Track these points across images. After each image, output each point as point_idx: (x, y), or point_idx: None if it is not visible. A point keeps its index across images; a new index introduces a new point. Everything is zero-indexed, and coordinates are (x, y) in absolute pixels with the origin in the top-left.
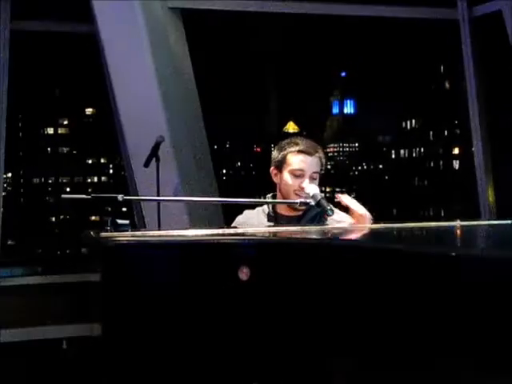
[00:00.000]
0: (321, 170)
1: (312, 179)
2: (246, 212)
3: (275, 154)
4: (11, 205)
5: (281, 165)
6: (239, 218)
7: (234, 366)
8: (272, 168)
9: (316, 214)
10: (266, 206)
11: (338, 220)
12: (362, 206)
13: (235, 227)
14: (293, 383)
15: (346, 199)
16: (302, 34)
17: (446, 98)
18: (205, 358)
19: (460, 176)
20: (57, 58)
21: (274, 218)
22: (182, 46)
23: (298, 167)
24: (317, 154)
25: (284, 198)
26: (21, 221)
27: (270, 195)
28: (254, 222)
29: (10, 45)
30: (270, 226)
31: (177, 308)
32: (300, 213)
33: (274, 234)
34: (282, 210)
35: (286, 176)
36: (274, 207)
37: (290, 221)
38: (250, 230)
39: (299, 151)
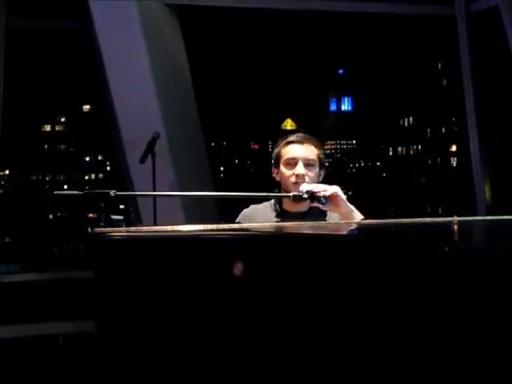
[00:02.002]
0: (319, 160)
1: (308, 166)
2: (253, 206)
3: (273, 154)
4: (9, 202)
5: (277, 161)
6: (245, 212)
7: (231, 362)
8: (272, 168)
9: (320, 209)
10: (273, 201)
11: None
12: (326, 186)
13: (239, 222)
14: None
15: (308, 187)
16: (300, 31)
17: (443, 95)
18: (200, 354)
19: (457, 173)
20: (53, 55)
21: (282, 213)
22: (178, 42)
23: (289, 156)
24: (308, 143)
25: (286, 192)
26: (18, 218)
27: (276, 191)
28: (260, 217)
29: (7, 42)
30: (277, 222)
31: (171, 304)
32: (305, 208)
33: (271, 229)
34: (287, 205)
35: (282, 169)
36: (280, 203)
37: (295, 216)
38: (245, 225)
39: (289, 142)
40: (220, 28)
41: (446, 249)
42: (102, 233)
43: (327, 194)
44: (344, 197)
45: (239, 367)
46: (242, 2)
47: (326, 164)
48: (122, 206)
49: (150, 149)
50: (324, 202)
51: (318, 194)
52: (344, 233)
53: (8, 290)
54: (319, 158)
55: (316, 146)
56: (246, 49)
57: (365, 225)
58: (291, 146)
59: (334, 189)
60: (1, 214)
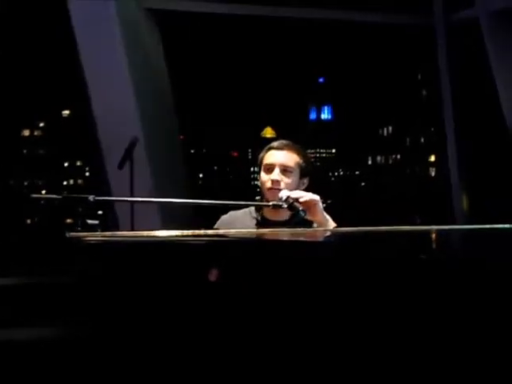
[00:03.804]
0: (299, 168)
1: (285, 172)
2: (231, 213)
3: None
4: None
5: (259, 166)
6: (224, 218)
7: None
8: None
9: (302, 219)
10: (253, 209)
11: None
12: (303, 193)
13: (217, 228)
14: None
15: (287, 193)
16: (280, 40)
17: (422, 105)
18: (178, 360)
19: (436, 183)
20: (32, 60)
21: (262, 222)
22: (157, 47)
23: (267, 162)
24: (288, 150)
25: (263, 199)
26: None
27: (257, 198)
28: (238, 224)
29: None
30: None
31: (145, 309)
32: (286, 217)
33: (248, 235)
34: (268, 214)
35: (261, 174)
36: (260, 211)
37: (276, 225)
38: (221, 231)
39: (269, 148)
40: (199, 34)
41: (423, 257)
42: (77, 237)
43: (304, 200)
44: (321, 205)
45: (213, 375)
46: (221, 8)
47: (310, 172)
48: (100, 212)
49: (128, 154)
50: (303, 215)
51: (296, 203)
52: (320, 240)
53: None
54: (299, 166)
55: (298, 154)
56: (226, 56)
57: (342, 232)
58: (270, 152)
59: (312, 196)
60: None
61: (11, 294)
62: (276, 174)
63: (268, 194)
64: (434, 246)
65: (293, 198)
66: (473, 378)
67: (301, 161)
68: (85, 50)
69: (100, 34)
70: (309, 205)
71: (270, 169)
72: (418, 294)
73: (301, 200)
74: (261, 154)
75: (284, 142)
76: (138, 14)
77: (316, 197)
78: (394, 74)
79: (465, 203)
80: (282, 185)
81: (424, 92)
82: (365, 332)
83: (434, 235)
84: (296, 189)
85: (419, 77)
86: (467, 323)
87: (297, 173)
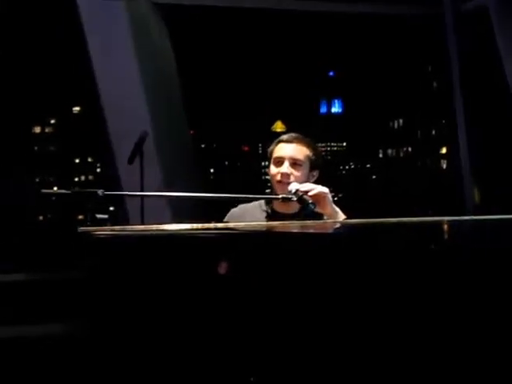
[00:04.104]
0: (309, 160)
1: (295, 165)
2: (241, 206)
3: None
4: None
5: (269, 159)
6: (234, 211)
7: (224, 361)
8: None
9: (311, 211)
10: (263, 202)
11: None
12: (313, 185)
13: (227, 222)
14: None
15: (296, 186)
16: (290, 33)
17: (433, 97)
18: (189, 351)
19: (447, 175)
20: (44, 57)
21: (271, 215)
22: (166, 42)
23: (277, 155)
24: (298, 143)
25: (273, 192)
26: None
27: (268, 191)
28: (248, 217)
29: None
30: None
31: (154, 302)
32: (296, 210)
33: (257, 228)
34: (277, 206)
35: (271, 167)
36: (270, 204)
37: (285, 218)
38: (231, 224)
39: (278, 141)
40: (209, 28)
41: (433, 247)
42: (87, 232)
43: (313, 193)
44: (330, 198)
45: (225, 367)
46: (229, 1)
47: (320, 165)
48: (111, 208)
49: (138, 149)
50: (312, 207)
51: (306, 196)
52: (330, 231)
53: None
54: (309, 159)
55: (307, 146)
56: (235, 50)
57: (352, 224)
58: (280, 145)
59: (322, 189)
60: None
61: (23, 290)
62: (285, 168)
63: (277, 187)
64: (444, 236)
65: (302, 191)
66: (484, 369)
67: (310, 153)
68: (94, 45)
69: (108, 30)
70: (318, 197)
71: (279, 162)
72: (429, 284)
73: (310, 193)
74: (270, 147)
75: (294, 134)
76: (146, 8)
77: (325, 189)
78: (404, 65)
79: (476, 195)
80: (292, 178)
81: (434, 84)
82: (375, 322)
83: (444, 226)
84: (306, 181)
85: (429, 68)
86: (477, 314)
87: (306, 166)
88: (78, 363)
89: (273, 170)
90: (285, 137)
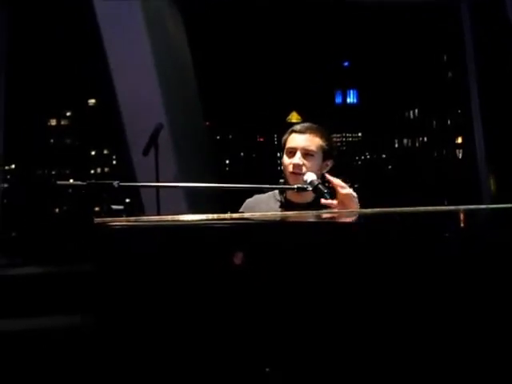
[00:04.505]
0: (322, 150)
1: (307, 156)
2: (256, 196)
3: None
4: (15, 196)
5: (283, 149)
6: (249, 201)
7: (238, 352)
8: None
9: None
10: (277, 192)
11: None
12: (346, 186)
13: (242, 212)
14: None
15: (333, 179)
16: (305, 24)
17: (448, 87)
18: (205, 345)
19: (463, 165)
20: (58, 50)
21: (286, 204)
22: (181, 35)
23: (290, 145)
24: (310, 133)
25: (286, 182)
26: (24, 212)
27: (281, 181)
28: (263, 207)
29: (11, 38)
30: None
31: (171, 293)
32: (310, 199)
33: (272, 218)
34: (292, 196)
35: (284, 157)
36: (284, 194)
37: (300, 207)
38: (246, 214)
39: (291, 131)
40: (224, 20)
41: (447, 235)
42: (102, 223)
43: (343, 191)
44: (357, 202)
45: (240, 358)
46: None
47: (334, 154)
48: (127, 200)
49: (153, 140)
50: (328, 197)
51: (321, 186)
52: (347, 220)
53: (12, 283)
54: (322, 149)
55: (320, 137)
56: (250, 41)
57: (367, 214)
58: (292, 136)
59: (352, 192)
60: (7, 209)
61: (39, 282)
62: (297, 159)
63: (290, 178)
64: (460, 225)
65: (335, 184)
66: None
67: (324, 144)
68: (109, 38)
69: (124, 23)
70: (345, 198)
71: (292, 152)
72: (444, 273)
73: (341, 191)
74: (284, 137)
75: (306, 124)
76: (162, 2)
77: (355, 194)
78: (419, 55)
79: (492, 184)
80: (304, 169)
81: (450, 73)
82: (391, 312)
83: (460, 215)
84: (319, 172)
85: (445, 58)
86: (494, 303)
87: (319, 156)
88: (93, 356)
89: (285, 160)
90: (297, 127)
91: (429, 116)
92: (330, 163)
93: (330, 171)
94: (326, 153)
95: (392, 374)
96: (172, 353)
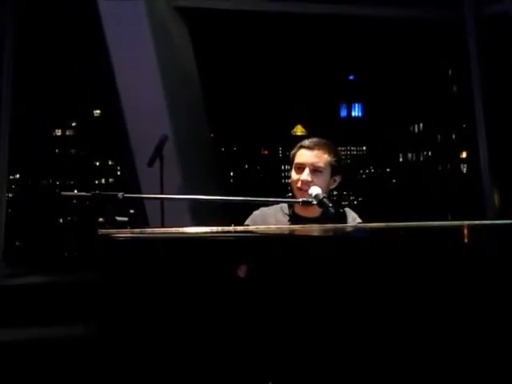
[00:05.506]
0: (331, 166)
1: (315, 172)
2: (263, 209)
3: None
4: (19, 206)
5: (291, 165)
6: (255, 214)
7: (242, 364)
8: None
9: (334, 215)
10: (285, 206)
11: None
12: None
13: (247, 225)
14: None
15: (317, 191)
16: (310, 37)
17: (453, 101)
18: (207, 356)
19: (468, 179)
20: (63, 61)
21: (293, 218)
22: (187, 45)
23: (297, 161)
24: (319, 149)
25: (293, 196)
26: (28, 222)
27: (289, 195)
28: (271, 220)
29: (16, 47)
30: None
31: (173, 304)
32: (317, 214)
33: (278, 231)
34: (299, 210)
35: (292, 172)
36: (292, 208)
37: (307, 221)
38: (251, 227)
39: (300, 147)
40: (229, 31)
41: (449, 250)
42: (107, 234)
43: None
44: None
45: (243, 370)
46: (251, 5)
47: (342, 170)
48: (131, 211)
49: (158, 152)
50: (333, 211)
51: (326, 199)
52: (351, 234)
53: (17, 292)
54: (330, 165)
55: (329, 153)
56: (256, 53)
57: (372, 228)
58: (301, 151)
59: None
60: (11, 218)
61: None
62: (306, 175)
63: (297, 193)
64: (464, 240)
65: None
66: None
67: (332, 160)
68: (115, 49)
69: (129, 33)
70: None
71: (300, 168)
72: (450, 287)
73: None
74: (293, 151)
75: (315, 140)
76: (167, 12)
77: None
78: (424, 70)
79: (496, 199)
80: (312, 185)
81: (455, 88)
82: (394, 328)
83: (464, 230)
84: (327, 187)
85: (450, 72)
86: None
87: (327, 172)
88: (97, 364)
89: (294, 176)
90: (306, 142)
91: (433, 130)
92: (338, 179)
93: (337, 186)
94: (334, 168)
95: None
96: (175, 363)
